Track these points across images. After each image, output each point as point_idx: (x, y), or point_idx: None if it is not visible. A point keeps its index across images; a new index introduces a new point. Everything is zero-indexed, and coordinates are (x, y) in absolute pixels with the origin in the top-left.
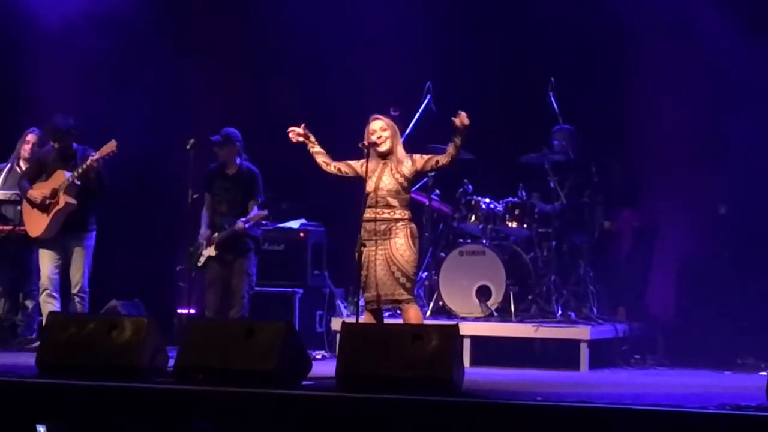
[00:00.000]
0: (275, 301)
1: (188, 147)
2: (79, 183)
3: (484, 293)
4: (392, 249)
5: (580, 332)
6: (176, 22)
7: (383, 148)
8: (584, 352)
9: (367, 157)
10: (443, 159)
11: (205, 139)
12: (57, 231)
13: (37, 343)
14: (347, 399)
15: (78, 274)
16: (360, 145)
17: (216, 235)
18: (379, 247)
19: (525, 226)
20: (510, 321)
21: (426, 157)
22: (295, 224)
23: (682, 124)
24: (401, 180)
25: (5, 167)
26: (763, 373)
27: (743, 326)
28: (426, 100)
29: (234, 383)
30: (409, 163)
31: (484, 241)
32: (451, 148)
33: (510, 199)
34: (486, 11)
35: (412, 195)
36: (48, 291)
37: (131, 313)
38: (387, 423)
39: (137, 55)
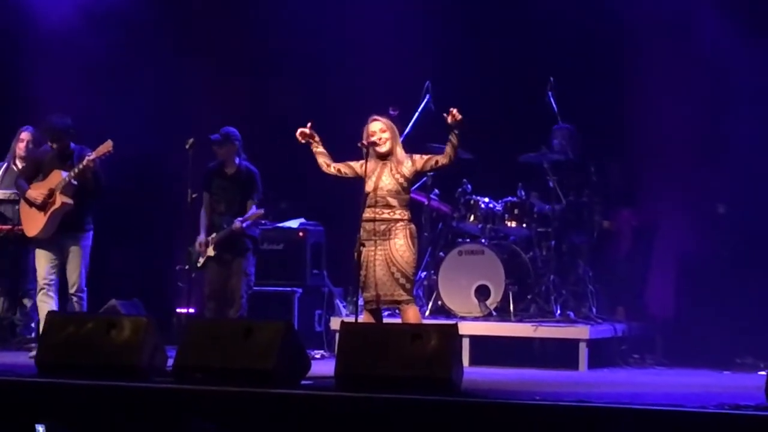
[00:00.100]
0: (274, 300)
1: (187, 147)
2: (75, 183)
3: (483, 293)
4: (392, 249)
5: (579, 332)
6: (176, 22)
7: (383, 149)
8: (583, 351)
9: (366, 157)
10: (442, 159)
11: (204, 138)
12: (54, 231)
13: (35, 344)
14: (346, 398)
15: (75, 274)
16: (359, 145)
17: (214, 234)
18: (379, 247)
19: (524, 225)
20: (509, 320)
21: (426, 157)
22: (294, 224)
23: (681, 124)
24: (401, 180)
25: (2, 166)
26: (762, 373)
27: (742, 326)
28: (425, 100)
29: (233, 383)
30: (408, 164)
31: (483, 241)
32: (448, 148)
33: (509, 198)
34: (485, 11)
35: (412, 195)
36: (45, 291)
37: (130, 313)
38: (386, 422)
39: (136, 54)
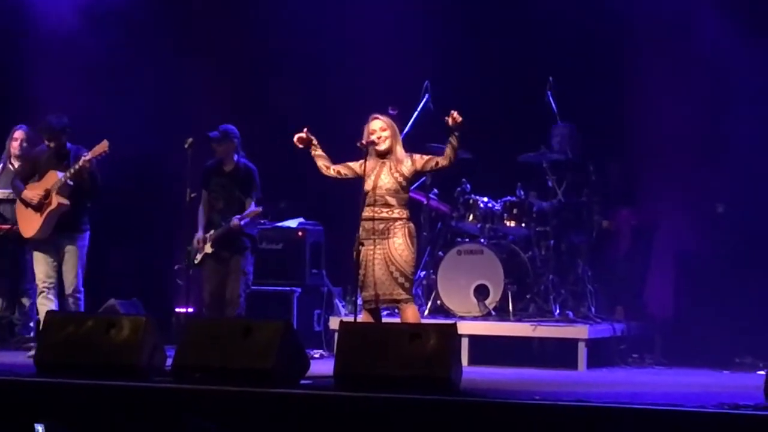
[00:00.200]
0: (273, 300)
1: (186, 146)
2: (71, 183)
3: (482, 292)
4: (390, 249)
5: (578, 331)
6: (175, 22)
7: (382, 147)
8: (582, 351)
9: (366, 156)
10: (442, 161)
11: (203, 137)
12: (50, 232)
13: (34, 343)
14: (345, 398)
15: (71, 275)
16: (358, 144)
17: (212, 232)
18: (378, 247)
19: (523, 225)
20: (508, 320)
21: (426, 157)
22: (293, 223)
23: (680, 124)
24: (400, 179)
25: None
26: (761, 372)
27: (742, 325)
28: (424, 100)
29: (232, 382)
30: (408, 163)
31: (482, 240)
32: (448, 150)
33: (508, 198)
34: (484, 11)
35: (411, 194)
36: (44, 294)
37: (129, 312)
38: (385, 422)
39: (136, 54)
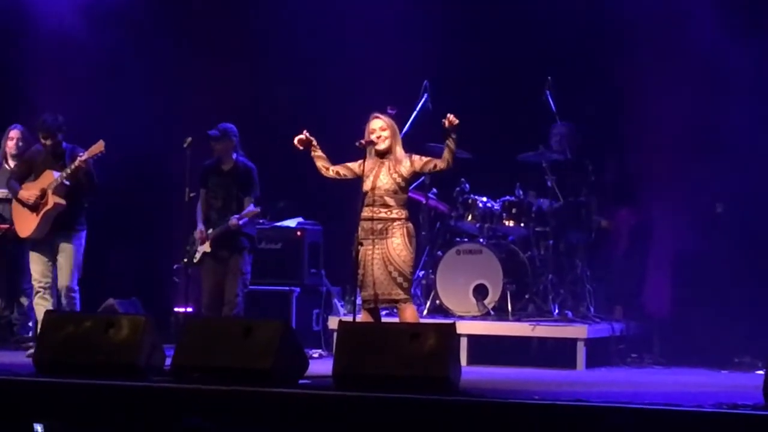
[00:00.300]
0: (272, 299)
1: (185, 145)
2: (68, 183)
3: (481, 292)
4: (389, 248)
5: (577, 331)
6: (174, 21)
7: (382, 147)
8: (581, 350)
9: (365, 156)
10: (440, 164)
11: (202, 136)
12: (47, 231)
13: (33, 343)
14: (344, 398)
15: (67, 273)
16: (357, 144)
17: (210, 231)
18: (376, 246)
19: (522, 224)
20: (507, 320)
21: (425, 159)
22: (292, 223)
23: (679, 123)
24: (399, 180)
25: None
26: (760, 372)
27: (740, 325)
28: (423, 99)
29: (231, 382)
30: (407, 163)
31: (481, 240)
32: (446, 153)
33: (507, 197)
34: (483, 10)
35: (409, 194)
36: (41, 294)
37: (128, 312)
38: (384, 422)
39: (135, 53)
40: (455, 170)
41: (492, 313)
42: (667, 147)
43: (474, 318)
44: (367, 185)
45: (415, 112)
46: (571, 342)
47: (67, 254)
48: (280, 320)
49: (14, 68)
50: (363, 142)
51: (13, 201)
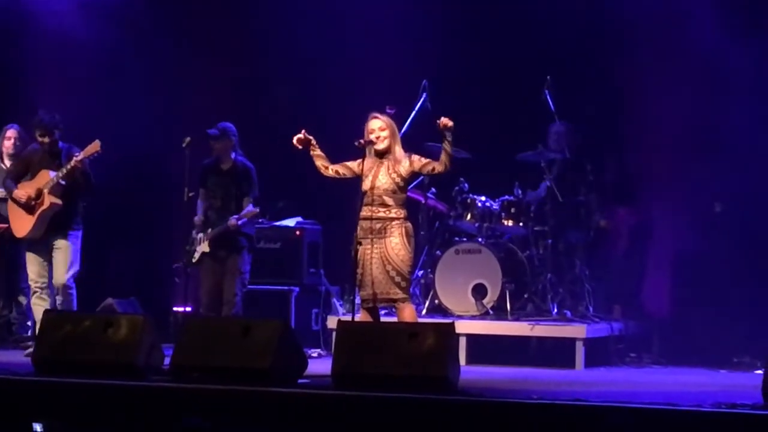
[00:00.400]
0: (271, 299)
1: (184, 145)
2: (64, 183)
3: (479, 291)
4: (387, 248)
5: (576, 330)
6: (174, 21)
7: (381, 147)
8: (580, 350)
9: (364, 155)
10: (438, 167)
11: (201, 135)
12: (43, 231)
13: (32, 342)
14: (343, 397)
15: (62, 270)
16: (356, 144)
17: (209, 231)
18: (375, 246)
19: (521, 224)
20: (506, 319)
21: (424, 160)
22: (291, 222)
23: (678, 123)
24: (398, 180)
25: None
26: (759, 372)
27: (740, 325)
28: (422, 99)
29: (230, 381)
30: (406, 163)
31: (480, 240)
32: (443, 156)
33: (506, 197)
34: (482, 10)
35: (408, 193)
36: (38, 294)
37: (127, 311)
38: (383, 421)
39: (134, 53)
40: (454, 170)
41: (491, 312)
42: (667, 147)
43: (473, 317)
44: (366, 185)
45: (413, 112)
46: (570, 341)
47: (62, 251)
48: (279, 320)
49: (14, 68)
50: (362, 141)
51: (9, 201)
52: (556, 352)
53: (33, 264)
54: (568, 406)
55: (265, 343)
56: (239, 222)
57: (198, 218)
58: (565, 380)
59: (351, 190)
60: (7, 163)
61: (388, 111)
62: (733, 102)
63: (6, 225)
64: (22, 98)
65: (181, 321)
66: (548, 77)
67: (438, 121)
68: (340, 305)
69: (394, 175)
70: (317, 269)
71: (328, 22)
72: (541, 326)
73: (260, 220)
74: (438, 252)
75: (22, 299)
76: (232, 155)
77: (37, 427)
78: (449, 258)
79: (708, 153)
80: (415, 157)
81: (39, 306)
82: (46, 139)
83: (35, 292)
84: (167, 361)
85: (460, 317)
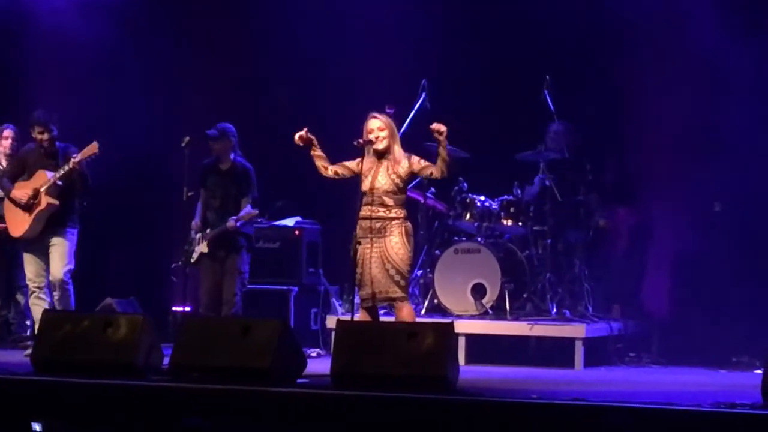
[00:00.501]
0: (270, 298)
1: (183, 144)
2: (61, 183)
3: (479, 291)
4: (387, 247)
5: (575, 330)
6: (174, 20)
7: (380, 147)
8: (579, 350)
9: (363, 155)
10: (435, 173)
11: (200, 136)
12: (39, 231)
13: (31, 342)
14: (342, 397)
15: (59, 266)
16: (355, 143)
17: (208, 231)
18: (374, 245)
19: (520, 224)
20: (505, 319)
21: (424, 163)
22: (290, 222)
23: (677, 122)
24: (397, 180)
25: None
26: (758, 371)
27: (739, 324)
28: (421, 98)
29: (229, 381)
30: (406, 164)
31: (479, 239)
32: (439, 163)
33: (505, 197)
34: (482, 10)
35: (408, 193)
36: (36, 294)
37: (126, 311)
38: (382, 421)
39: (134, 53)
40: (453, 169)
41: (490, 312)
42: (666, 147)
43: (472, 317)
44: (365, 185)
45: (413, 112)
46: (569, 341)
47: (58, 248)
48: (278, 319)
49: (14, 68)
50: (361, 141)
51: (5, 200)
52: (555, 352)
53: (30, 264)
54: (568, 405)
55: (264, 343)
56: (237, 223)
57: (195, 223)
58: (564, 380)
59: (350, 189)
60: (4, 163)
61: (387, 111)
62: (733, 102)
63: (4, 225)
64: (21, 98)
65: (180, 321)
66: (547, 77)
67: (431, 127)
68: (339, 305)
69: (393, 176)
70: (316, 269)
71: (328, 22)
72: (540, 326)
73: (259, 220)
74: (437, 251)
75: (20, 298)
76: (232, 156)
77: (37, 426)
78: (448, 258)
79: (708, 153)
80: (415, 159)
81: (38, 306)
82: (45, 136)
83: (33, 292)
84: (166, 360)
85: (459, 317)
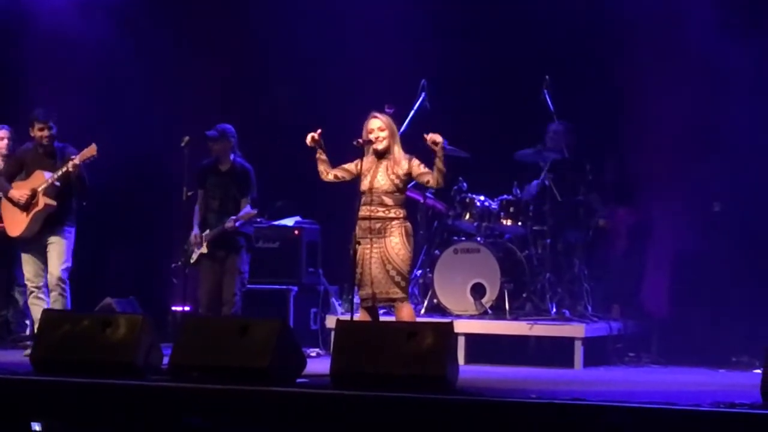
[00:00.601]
0: (270, 298)
1: (183, 144)
2: (58, 184)
3: (478, 291)
4: (387, 247)
5: (575, 330)
6: (173, 20)
7: (380, 147)
8: (579, 349)
9: (362, 155)
10: (432, 182)
11: (200, 136)
12: (36, 231)
13: (30, 341)
14: (342, 396)
15: (56, 264)
16: (355, 143)
17: (207, 232)
18: (374, 245)
19: (520, 223)
20: (504, 319)
21: (423, 170)
22: (289, 222)
23: (677, 122)
24: (396, 181)
25: None
26: (758, 371)
27: (738, 324)
28: (421, 98)
29: (228, 381)
30: (405, 165)
31: (478, 239)
32: (435, 173)
33: (505, 196)
34: (482, 10)
35: (407, 193)
36: (35, 294)
37: (126, 311)
38: (381, 421)
39: (134, 52)
40: (453, 169)
41: (489, 312)
42: (666, 147)
43: (471, 317)
44: (364, 185)
45: (412, 111)
46: (569, 341)
47: (56, 246)
48: (278, 319)
49: (14, 68)
50: (361, 141)
51: (2, 200)
52: (555, 352)
53: (29, 264)
54: (567, 405)
55: (263, 343)
56: (236, 224)
57: (195, 234)
58: (563, 379)
59: (350, 189)
60: (1, 163)
61: (387, 110)
62: (733, 102)
63: (1, 224)
64: (21, 98)
65: (179, 320)
66: (547, 77)
67: (426, 137)
68: (339, 305)
69: (392, 176)
70: (316, 269)
71: (328, 22)
72: (539, 326)
73: (258, 220)
74: (437, 251)
75: (19, 297)
76: (231, 156)
77: (36, 426)
78: (448, 257)
79: (708, 153)
80: (415, 162)
81: (37, 306)
82: (45, 133)
83: (32, 292)
84: (166, 360)
85: (459, 317)
